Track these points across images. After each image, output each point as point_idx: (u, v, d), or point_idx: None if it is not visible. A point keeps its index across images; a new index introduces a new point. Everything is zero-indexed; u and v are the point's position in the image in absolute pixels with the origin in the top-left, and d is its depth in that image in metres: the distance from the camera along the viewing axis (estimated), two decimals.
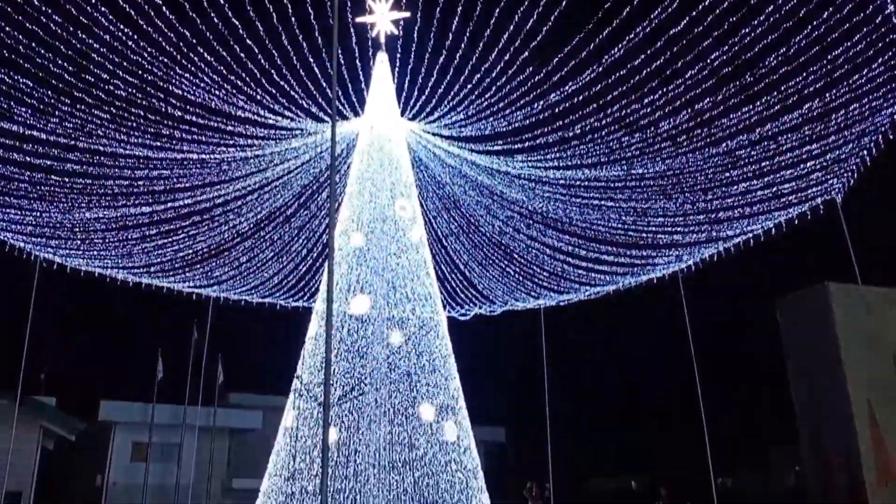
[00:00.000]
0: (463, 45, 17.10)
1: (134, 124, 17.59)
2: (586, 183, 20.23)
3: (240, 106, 18.23)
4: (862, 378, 5.15)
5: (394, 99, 22.25)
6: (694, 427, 23.90)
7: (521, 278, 25.69)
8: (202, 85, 17.31)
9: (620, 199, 20.53)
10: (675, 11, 14.81)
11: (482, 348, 38.28)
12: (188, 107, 17.72)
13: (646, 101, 16.76)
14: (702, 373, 23.94)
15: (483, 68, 17.50)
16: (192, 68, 16.85)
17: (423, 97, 19.72)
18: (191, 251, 22.87)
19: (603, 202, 20.82)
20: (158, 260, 23.05)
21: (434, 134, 21.84)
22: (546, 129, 18.55)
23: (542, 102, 17.73)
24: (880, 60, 14.89)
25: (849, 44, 14.65)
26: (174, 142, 18.46)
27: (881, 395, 5.20)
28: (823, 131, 16.71)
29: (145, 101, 17.25)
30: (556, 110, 17.81)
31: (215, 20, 15.77)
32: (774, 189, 18.58)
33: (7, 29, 14.69)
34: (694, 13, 14.72)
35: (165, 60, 16.57)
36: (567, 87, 16.98)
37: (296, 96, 18.44)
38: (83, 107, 16.71)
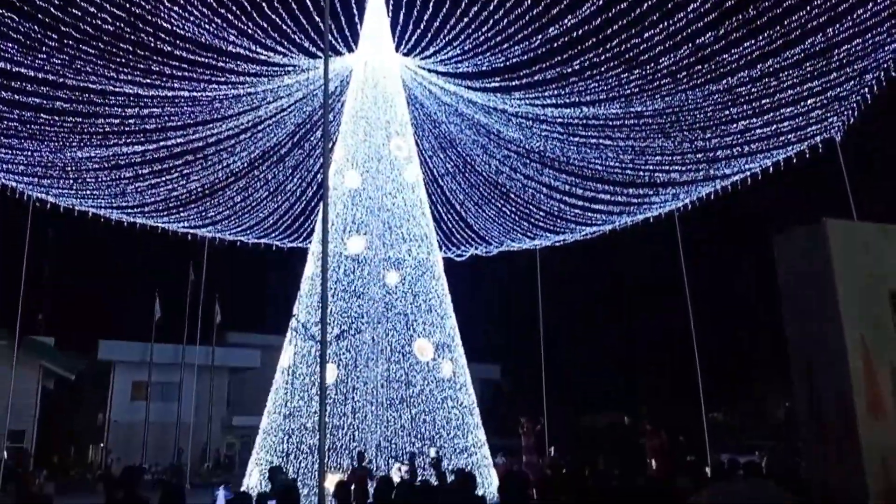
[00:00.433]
0: None
1: (123, 60, 17.19)
2: (584, 121, 19.97)
3: (231, 41, 17.80)
4: (856, 314, 5.19)
5: (388, 33, 21.78)
6: (687, 364, 24.24)
7: (517, 219, 25.60)
8: (192, 19, 16.87)
9: (619, 137, 20.30)
10: None
11: (478, 288, 38.53)
12: (178, 42, 17.31)
13: (646, 35, 16.39)
14: (696, 311, 24.15)
15: (480, 1, 17.06)
16: (182, 1, 16.40)
17: (419, 31, 19.27)
18: (184, 191, 22.68)
19: (601, 141, 20.59)
20: (152, 200, 22.86)
21: (429, 70, 21.45)
22: (544, 65, 18.20)
23: (540, 37, 17.34)
24: None
25: None
26: (164, 79, 18.09)
27: (874, 331, 5.25)
28: (825, 67, 16.42)
29: (134, 35, 16.83)
30: (555, 45, 17.43)
31: None
32: (774, 127, 18.36)
33: None
34: None
35: None
36: (566, 21, 16.57)
37: (288, 31, 18.00)
38: (70, 42, 16.30)
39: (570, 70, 17.93)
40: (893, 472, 5.11)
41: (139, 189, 22.41)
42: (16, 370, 24.08)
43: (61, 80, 17.59)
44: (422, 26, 18.89)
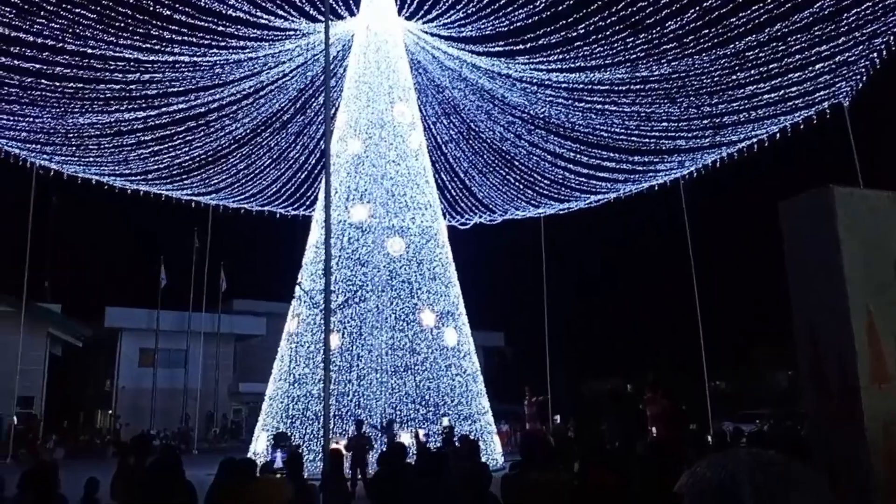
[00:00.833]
0: None
1: (122, 24, 16.98)
2: (590, 86, 19.72)
3: (231, 4, 17.55)
4: (861, 282, 5.14)
5: None
6: (691, 333, 24.27)
7: (521, 187, 25.44)
8: None
9: (624, 102, 20.06)
10: None
11: (483, 256, 38.52)
12: (177, 5, 17.07)
13: None
14: (700, 280, 24.12)
15: None
16: None
17: None
18: (187, 158, 22.56)
19: (606, 106, 20.35)
20: (155, 167, 22.76)
21: (433, 34, 21.17)
22: (549, 29, 17.91)
23: (544, 0, 17.06)
24: None
25: None
26: (164, 44, 17.89)
27: (879, 298, 5.20)
28: (833, 32, 16.13)
29: None
30: (559, 8, 17.14)
31: None
32: (781, 92, 18.11)
33: None
34: None
35: None
36: None
37: None
38: (68, 6, 16.10)
39: (574, 34, 17.67)
40: (894, 438, 5.11)
41: (142, 156, 22.30)
42: (23, 337, 24.28)
43: (61, 45, 17.42)
44: None
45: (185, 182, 23.93)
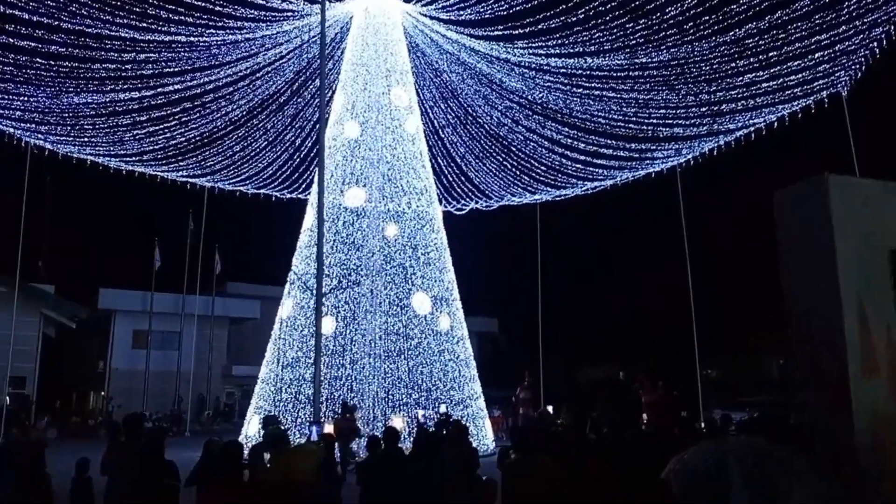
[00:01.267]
0: None
1: (118, 3, 16.81)
2: (588, 72, 19.63)
3: None
4: (854, 271, 5.11)
5: None
6: (684, 321, 24.31)
7: (518, 173, 25.36)
8: None
9: (622, 89, 19.98)
10: None
11: (478, 242, 38.50)
12: None
13: None
14: (697, 268, 24.12)
15: None
16: None
17: None
18: (183, 139, 22.42)
19: (604, 92, 20.27)
20: (151, 148, 22.63)
21: (431, 17, 21.01)
22: (548, 14, 17.79)
23: None
24: None
25: None
26: (160, 23, 17.72)
27: (871, 289, 5.18)
28: (834, 20, 16.07)
29: None
30: None
31: None
32: (780, 81, 18.05)
33: None
34: None
35: None
36: None
37: None
38: None
39: (574, 19, 17.55)
40: (880, 426, 5.13)
41: (137, 137, 22.16)
42: (16, 317, 24.20)
43: (56, 23, 17.25)
44: None
45: (181, 163, 23.80)
